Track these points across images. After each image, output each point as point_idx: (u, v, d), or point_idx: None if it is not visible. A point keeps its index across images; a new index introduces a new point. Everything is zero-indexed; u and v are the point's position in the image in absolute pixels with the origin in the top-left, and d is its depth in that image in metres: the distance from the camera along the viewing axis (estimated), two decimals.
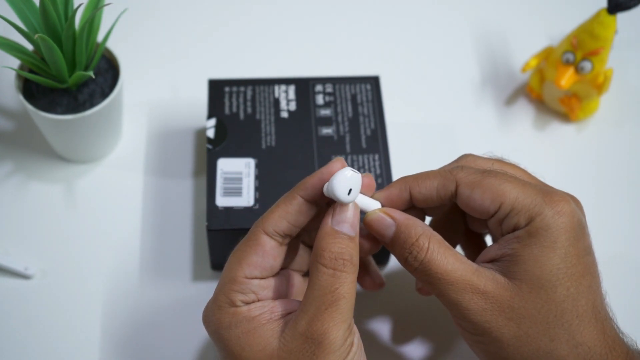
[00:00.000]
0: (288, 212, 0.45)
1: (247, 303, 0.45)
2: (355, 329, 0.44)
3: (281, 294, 0.47)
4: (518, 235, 0.44)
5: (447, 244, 0.45)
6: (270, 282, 0.46)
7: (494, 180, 0.45)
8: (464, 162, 0.49)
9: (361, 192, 0.46)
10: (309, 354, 0.42)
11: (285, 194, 0.46)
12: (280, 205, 0.45)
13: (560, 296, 0.43)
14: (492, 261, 0.45)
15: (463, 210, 0.48)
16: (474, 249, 0.53)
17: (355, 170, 0.44)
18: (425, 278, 0.44)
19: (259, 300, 0.45)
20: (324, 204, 0.46)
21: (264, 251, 0.45)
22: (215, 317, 0.45)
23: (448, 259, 0.44)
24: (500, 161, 0.49)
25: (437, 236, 0.45)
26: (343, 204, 0.44)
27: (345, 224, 0.44)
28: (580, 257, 0.44)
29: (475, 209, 0.46)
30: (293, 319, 0.43)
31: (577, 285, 0.43)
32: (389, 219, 0.46)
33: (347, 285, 0.43)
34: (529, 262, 0.43)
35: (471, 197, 0.46)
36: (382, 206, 0.48)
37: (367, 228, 0.47)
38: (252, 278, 0.45)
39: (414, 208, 0.49)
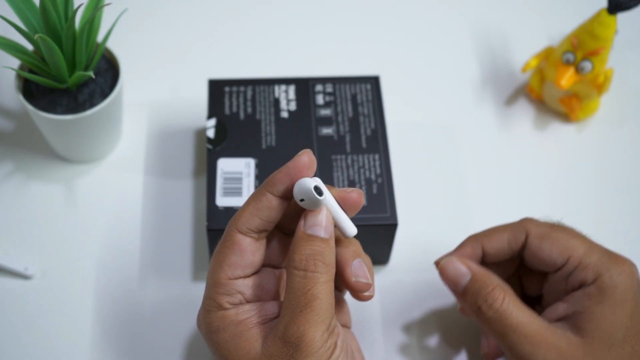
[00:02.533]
0: (258, 209, 0.45)
1: (235, 304, 0.45)
2: (339, 330, 0.44)
3: (270, 292, 0.47)
4: (589, 292, 0.46)
5: (518, 298, 0.47)
6: (257, 281, 0.46)
7: (562, 234, 0.48)
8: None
9: (344, 210, 0.46)
10: (288, 357, 0.42)
11: (255, 191, 0.46)
12: (250, 203, 0.45)
13: (626, 353, 0.45)
14: (560, 319, 0.47)
15: (528, 264, 0.50)
16: None
17: (314, 180, 0.43)
18: (499, 328, 0.46)
19: (247, 302, 0.45)
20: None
21: (241, 249, 0.45)
22: (205, 321, 0.45)
23: (523, 312, 0.46)
24: (559, 223, 0.51)
25: (511, 290, 0.47)
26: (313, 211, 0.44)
27: (318, 227, 0.44)
28: None
29: (543, 260, 0.49)
30: (275, 323, 0.43)
31: None
32: (464, 268, 0.48)
33: (320, 286, 0.43)
34: (601, 319, 0.45)
35: (540, 248, 0.48)
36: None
37: (440, 274, 0.50)
38: (235, 278, 0.45)
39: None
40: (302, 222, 0.44)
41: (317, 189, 0.43)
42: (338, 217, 0.45)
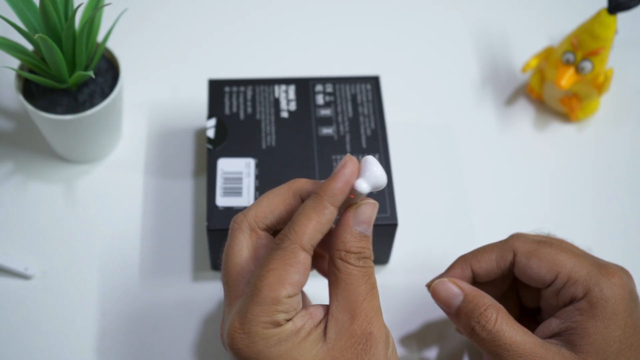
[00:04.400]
0: (322, 224, 0.43)
1: (289, 319, 0.43)
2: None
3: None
4: (580, 307, 0.46)
5: (512, 317, 0.47)
6: (301, 293, 0.45)
7: (549, 250, 0.48)
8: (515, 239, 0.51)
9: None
10: (362, 346, 0.42)
11: (312, 203, 0.43)
12: (313, 218, 0.43)
13: None
14: (554, 335, 0.47)
15: (520, 279, 0.50)
16: (528, 327, 0.53)
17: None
18: (493, 348, 0.46)
19: (296, 312, 0.44)
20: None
21: (305, 269, 0.43)
22: (259, 337, 0.42)
23: (516, 330, 0.46)
24: (548, 237, 0.50)
25: (504, 308, 0.47)
26: (365, 205, 0.44)
27: (365, 224, 0.44)
28: (637, 327, 0.46)
29: (532, 278, 0.48)
30: (332, 319, 0.43)
31: (636, 355, 0.45)
32: (456, 289, 0.48)
33: (373, 277, 0.44)
34: (594, 335, 0.45)
35: (528, 266, 0.48)
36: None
37: (432, 296, 0.49)
38: (293, 296, 0.43)
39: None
40: (351, 214, 0.44)
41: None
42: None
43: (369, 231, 0.44)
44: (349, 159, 0.43)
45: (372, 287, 0.43)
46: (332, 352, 0.42)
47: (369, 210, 0.44)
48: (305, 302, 0.49)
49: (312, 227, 0.43)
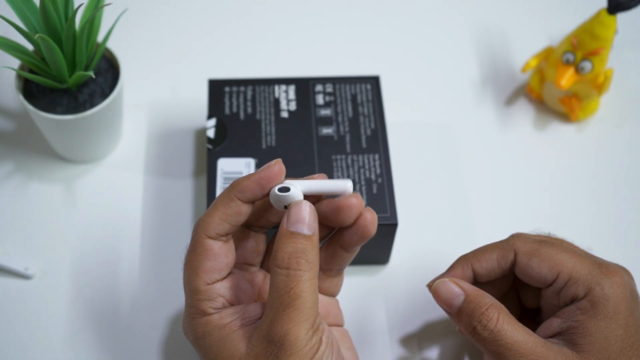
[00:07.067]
0: (227, 215, 0.45)
1: (218, 309, 0.45)
2: (323, 327, 0.44)
3: (247, 293, 0.47)
4: (581, 306, 0.46)
5: (513, 317, 0.47)
6: (233, 281, 0.46)
7: (550, 249, 0.48)
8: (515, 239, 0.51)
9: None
10: (273, 356, 0.42)
11: (222, 195, 0.45)
12: (219, 208, 0.45)
13: None
14: (555, 335, 0.47)
15: (520, 279, 0.50)
16: (528, 327, 0.53)
17: (290, 185, 0.44)
18: (495, 348, 0.46)
19: (230, 305, 0.45)
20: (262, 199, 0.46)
21: (214, 254, 0.45)
22: (191, 328, 0.45)
23: (518, 330, 0.46)
24: (548, 237, 0.51)
25: (505, 308, 0.47)
26: (294, 205, 0.44)
27: (300, 224, 0.43)
28: (638, 326, 0.46)
29: (533, 278, 0.48)
30: (259, 323, 0.44)
31: (637, 354, 0.46)
32: (457, 289, 0.48)
33: (303, 284, 0.42)
34: (595, 334, 0.45)
35: (529, 266, 0.48)
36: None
37: (433, 296, 0.49)
38: (213, 283, 0.45)
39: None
40: (285, 219, 0.44)
41: (281, 189, 0.44)
42: (325, 189, 0.45)
43: (305, 230, 0.43)
44: (275, 163, 0.45)
45: (296, 297, 0.42)
46: (247, 356, 0.43)
47: (298, 210, 0.44)
48: (256, 293, 0.49)
49: (217, 217, 0.45)
